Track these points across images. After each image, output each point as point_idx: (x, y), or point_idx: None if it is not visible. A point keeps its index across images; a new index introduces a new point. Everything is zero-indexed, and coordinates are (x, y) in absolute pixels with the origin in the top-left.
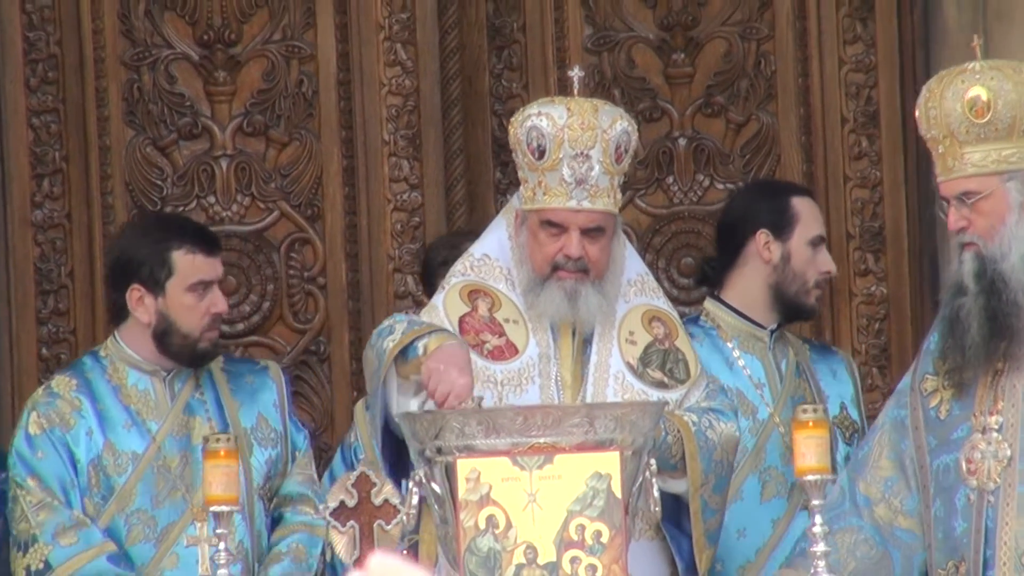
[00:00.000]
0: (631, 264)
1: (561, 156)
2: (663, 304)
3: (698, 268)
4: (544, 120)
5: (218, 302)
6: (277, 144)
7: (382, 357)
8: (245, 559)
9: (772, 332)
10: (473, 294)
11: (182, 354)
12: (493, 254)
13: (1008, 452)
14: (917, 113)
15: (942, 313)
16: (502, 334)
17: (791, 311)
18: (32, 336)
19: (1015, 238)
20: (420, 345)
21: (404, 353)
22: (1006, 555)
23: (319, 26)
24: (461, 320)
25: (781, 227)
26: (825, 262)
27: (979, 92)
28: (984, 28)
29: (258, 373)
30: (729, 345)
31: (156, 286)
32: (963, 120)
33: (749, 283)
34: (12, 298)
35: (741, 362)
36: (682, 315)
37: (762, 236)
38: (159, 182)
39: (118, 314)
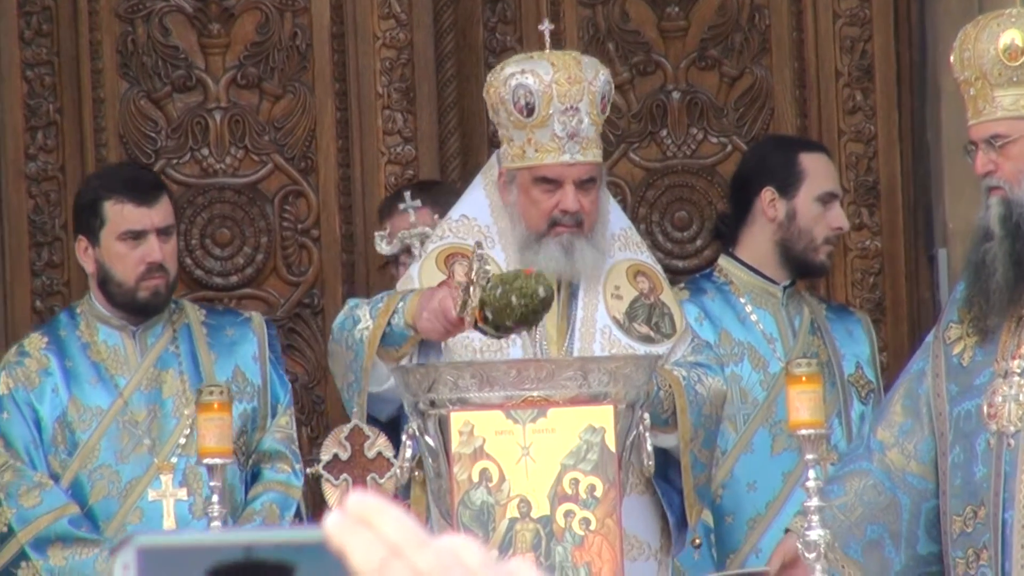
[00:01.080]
0: (614, 218)
1: (551, 112)
2: (647, 258)
3: (713, 224)
4: (530, 77)
5: (153, 251)
6: (271, 97)
7: (358, 348)
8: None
9: (785, 288)
10: (450, 258)
11: (125, 305)
12: (472, 214)
13: None
14: (952, 57)
15: (968, 258)
16: None
17: (800, 268)
18: (26, 288)
19: None
20: (399, 321)
21: (385, 339)
22: (1019, 500)
23: None
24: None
25: (787, 184)
26: (836, 218)
27: (1014, 35)
28: None
29: (239, 325)
30: (742, 300)
31: (93, 236)
32: (996, 62)
33: (758, 240)
34: (6, 250)
35: (754, 317)
36: (678, 270)
37: (767, 193)
38: (153, 134)
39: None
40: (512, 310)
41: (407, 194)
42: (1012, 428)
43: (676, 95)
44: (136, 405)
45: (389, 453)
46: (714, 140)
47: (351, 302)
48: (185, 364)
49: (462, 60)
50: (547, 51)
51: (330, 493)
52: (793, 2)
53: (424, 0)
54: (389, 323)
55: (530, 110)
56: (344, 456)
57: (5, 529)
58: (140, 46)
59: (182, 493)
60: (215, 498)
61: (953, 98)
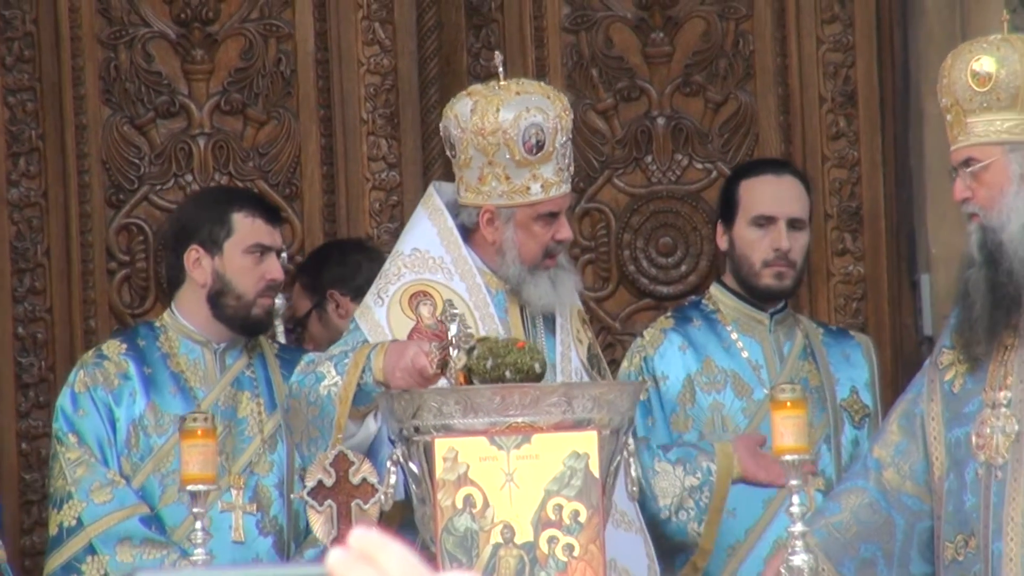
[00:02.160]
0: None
1: (556, 146)
2: (580, 304)
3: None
4: (538, 115)
5: (274, 270)
6: (255, 123)
7: (324, 405)
8: (279, 534)
9: (773, 315)
10: (414, 298)
11: (235, 318)
12: (423, 247)
13: (1016, 427)
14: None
15: (956, 286)
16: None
17: (755, 294)
18: (8, 314)
19: (1014, 209)
20: (368, 379)
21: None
22: (1013, 530)
23: (297, 4)
24: (409, 337)
25: (727, 215)
26: (776, 240)
27: (984, 61)
28: (961, 6)
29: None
30: (728, 328)
31: (214, 246)
32: (967, 89)
33: (728, 270)
34: None
35: (739, 344)
36: (662, 296)
37: (719, 227)
38: (136, 160)
39: (173, 281)
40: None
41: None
42: (1000, 460)
43: (661, 121)
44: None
45: (373, 479)
46: (699, 166)
47: (307, 358)
48: (261, 388)
49: (446, 86)
50: (508, 81)
51: (314, 519)
52: (777, 28)
53: (408, 26)
54: (359, 381)
55: (539, 146)
56: (329, 482)
57: (74, 522)
58: (123, 72)
59: (251, 507)
60: (198, 524)
61: (936, 123)
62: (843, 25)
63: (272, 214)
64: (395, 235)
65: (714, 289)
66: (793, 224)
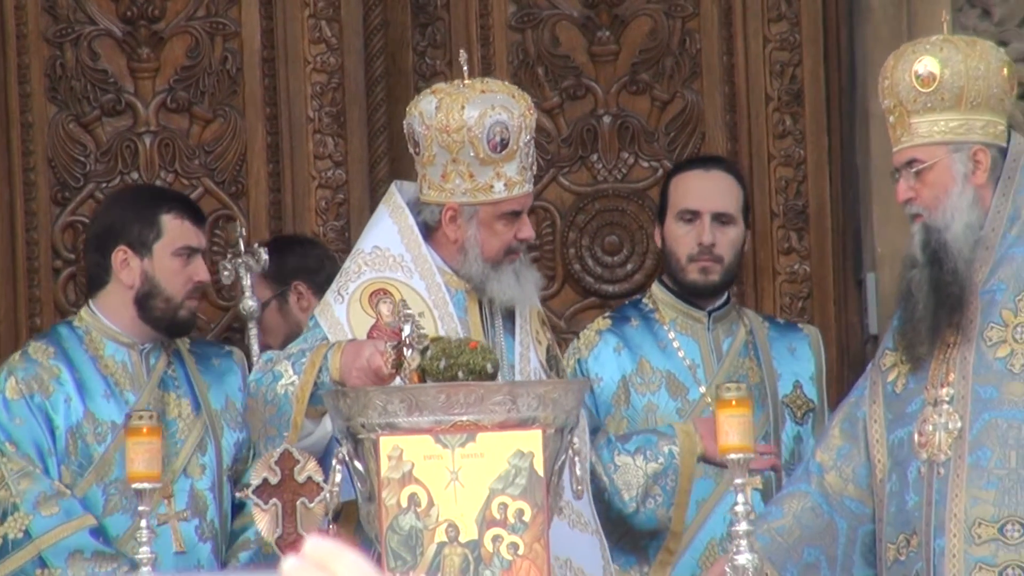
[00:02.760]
0: None
1: (520, 144)
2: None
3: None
4: (503, 113)
5: (201, 271)
6: (201, 121)
7: (282, 403)
8: (215, 538)
9: (711, 312)
10: (374, 296)
11: (163, 320)
12: (383, 244)
13: (959, 424)
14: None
15: (898, 287)
16: None
17: (685, 289)
18: None
19: (957, 209)
20: (325, 378)
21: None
22: (956, 527)
23: (243, 3)
24: (368, 335)
25: (660, 212)
26: (699, 234)
27: (927, 61)
28: (908, 5)
29: (224, 356)
30: (665, 327)
31: (143, 247)
32: (911, 89)
33: (664, 266)
34: None
35: (676, 343)
36: (608, 294)
37: (655, 224)
38: (82, 159)
39: (96, 281)
40: None
41: (237, 223)
42: (942, 456)
43: (607, 119)
44: None
45: (319, 477)
46: (645, 164)
47: (265, 356)
48: (184, 389)
49: (392, 84)
50: (472, 80)
51: (259, 517)
52: (723, 26)
53: (354, 25)
54: (316, 380)
55: (504, 145)
56: (274, 480)
57: (21, 535)
58: (69, 70)
59: (185, 515)
60: (143, 523)
61: (882, 122)
62: (789, 24)
63: (198, 215)
64: (341, 233)
65: (655, 287)
66: (720, 219)
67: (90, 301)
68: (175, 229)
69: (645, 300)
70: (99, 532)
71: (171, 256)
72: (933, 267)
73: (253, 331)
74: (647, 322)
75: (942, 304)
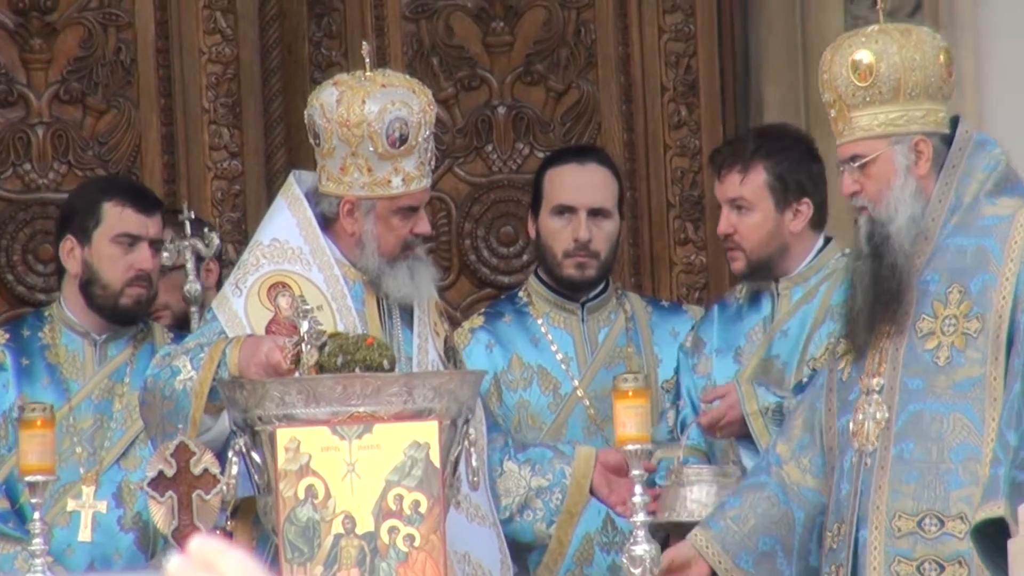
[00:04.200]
0: None
1: (419, 140)
2: (438, 296)
3: None
4: (403, 109)
5: (143, 259)
6: (95, 112)
7: (180, 399)
8: (143, 530)
9: (584, 304)
10: (272, 289)
11: (104, 308)
12: (282, 237)
13: (886, 414)
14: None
15: (844, 277)
16: None
17: (561, 284)
18: None
19: (901, 201)
20: (224, 373)
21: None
22: (877, 519)
23: None
24: (266, 329)
25: (534, 204)
26: (575, 230)
27: (862, 55)
28: None
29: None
30: (539, 321)
31: (84, 236)
32: (848, 83)
33: (538, 260)
34: None
35: (549, 337)
36: (503, 285)
37: (530, 217)
38: None
39: (61, 271)
40: None
41: (184, 205)
42: (870, 447)
43: (502, 110)
44: (82, 412)
45: (215, 469)
46: (540, 155)
47: (163, 351)
48: (140, 382)
49: (288, 75)
50: (374, 72)
51: (155, 510)
52: (618, 17)
53: (250, 15)
54: (214, 375)
55: (403, 140)
56: (170, 473)
57: None
58: None
59: (101, 506)
60: (36, 515)
61: (776, 112)
62: (684, 15)
63: (145, 203)
64: (238, 224)
65: (531, 279)
66: (596, 213)
67: (61, 291)
68: (114, 216)
69: (521, 293)
70: (9, 516)
71: (109, 243)
72: (874, 260)
73: (196, 315)
74: (520, 316)
75: (879, 298)
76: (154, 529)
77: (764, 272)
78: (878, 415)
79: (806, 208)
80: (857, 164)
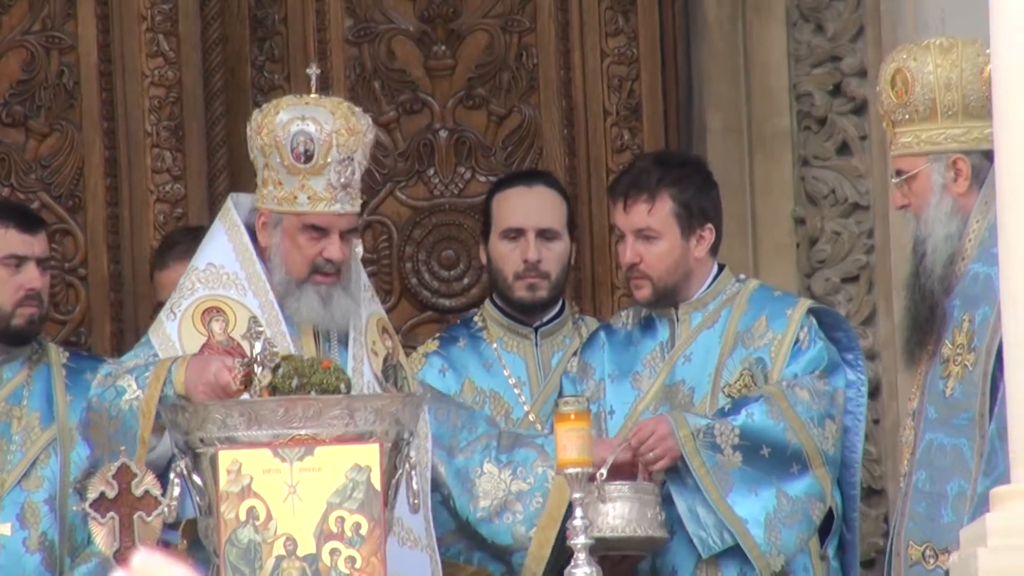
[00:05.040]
0: (361, 268)
1: (329, 161)
2: (384, 313)
3: None
4: (311, 125)
5: (33, 279)
6: (37, 135)
7: (127, 419)
8: (49, 550)
9: (538, 328)
10: (206, 314)
11: None
12: (218, 262)
13: (911, 440)
14: None
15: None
16: (242, 355)
17: (513, 307)
18: None
19: (937, 220)
20: (170, 391)
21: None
22: (898, 544)
23: (80, 16)
24: (200, 352)
25: (484, 229)
26: (524, 251)
27: (899, 72)
28: (743, 20)
29: (98, 371)
30: (493, 346)
31: None
32: (889, 100)
33: (490, 284)
34: None
35: (502, 361)
36: (444, 308)
37: (481, 242)
38: None
39: None
40: None
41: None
42: (903, 470)
43: (443, 134)
44: None
45: (156, 491)
46: (482, 179)
47: (103, 370)
48: (37, 402)
49: (231, 98)
50: (318, 96)
51: (96, 531)
52: (561, 41)
53: (192, 39)
54: (160, 395)
55: (308, 157)
56: (111, 494)
57: None
58: None
59: (5, 528)
60: None
61: (718, 136)
62: (627, 38)
63: (28, 223)
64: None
65: (486, 304)
66: (544, 235)
67: None
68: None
69: (476, 318)
70: None
71: None
72: (914, 279)
73: None
74: (474, 341)
75: (915, 321)
76: (60, 549)
77: (669, 299)
78: (908, 439)
79: (709, 234)
80: (898, 179)
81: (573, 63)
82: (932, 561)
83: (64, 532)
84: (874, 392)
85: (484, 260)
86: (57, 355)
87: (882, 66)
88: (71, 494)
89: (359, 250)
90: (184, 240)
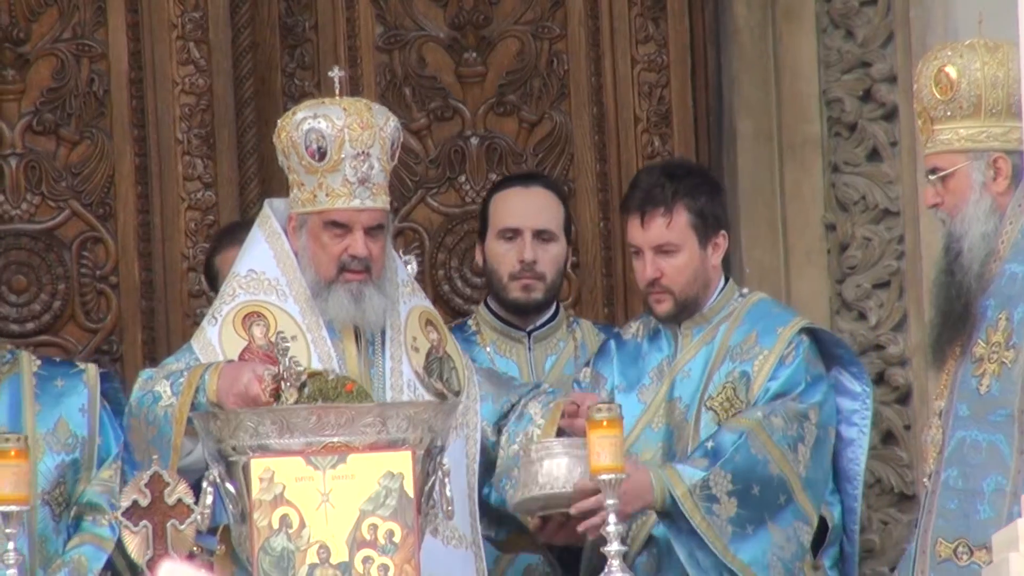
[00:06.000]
0: (399, 266)
1: (343, 156)
2: (430, 305)
3: None
4: (322, 122)
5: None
6: (68, 143)
7: (162, 425)
8: (21, 565)
9: (531, 332)
10: (247, 319)
11: None
12: (259, 268)
13: (940, 439)
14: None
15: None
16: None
17: (507, 308)
18: None
19: (974, 218)
20: (202, 399)
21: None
22: (925, 542)
23: (110, 24)
24: (240, 357)
25: (482, 231)
26: (520, 251)
27: (945, 69)
28: (773, 27)
29: (71, 377)
30: (487, 350)
31: None
32: (932, 96)
33: (486, 286)
34: None
35: (496, 366)
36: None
37: (478, 244)
38: None
39: None
40: None
41: None
42: (928, 469)
43: (474, 141)
44: None
45: (189, 499)
46: None
47: (144, 375)
48: (6, 413)
49: (261, 106)
50: (338, 97)
51: (129, 540)
52: (591, 47)
53: (223, 46)
54: (193, 401)
55: (322, 154)
56: (144, 503)
57: None
58: None
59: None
60: (10, 545)
61: (749, 143)
62: (657, 45)
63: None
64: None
65: (479, 308)
66: (540, 235)
67: None
68: None
69: (470, 322)
70: None
71: None
72: (947, 276)
73: None
74: (468, 345)
75: (947, 319)
76: (30, 561)
77: (689, 310)
78: (936, 439)
79: (723, 240)
80: (935, 176)
81: (604, 70)
82: (966, 557)
83: (34, 544)
84: (905, 398)
85: (480, 261)
86: (29, 363)
87: (922, 63)
88: (39, 506)
89: (412, 267)
90: (238, 229)
